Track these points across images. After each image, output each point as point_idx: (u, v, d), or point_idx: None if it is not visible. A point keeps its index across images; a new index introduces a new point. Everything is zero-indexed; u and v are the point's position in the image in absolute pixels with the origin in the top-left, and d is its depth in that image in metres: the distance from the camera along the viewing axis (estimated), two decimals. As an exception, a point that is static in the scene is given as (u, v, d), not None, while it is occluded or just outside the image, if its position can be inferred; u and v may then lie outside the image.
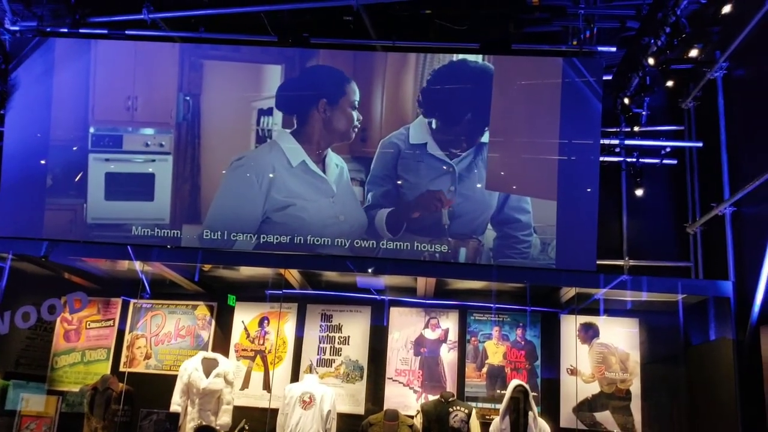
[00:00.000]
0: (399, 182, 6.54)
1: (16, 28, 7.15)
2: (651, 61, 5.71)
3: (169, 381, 6.54)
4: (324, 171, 6.58)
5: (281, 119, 6.72)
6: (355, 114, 6.59)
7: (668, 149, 6.91)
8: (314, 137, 6.62)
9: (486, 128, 6.50)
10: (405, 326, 6.94)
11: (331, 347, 6.94)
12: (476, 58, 6.62)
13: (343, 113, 6.60)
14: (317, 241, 6.51)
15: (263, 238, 6.52)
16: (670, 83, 6.13)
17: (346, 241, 6.50)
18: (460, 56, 6.62)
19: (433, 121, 6.53)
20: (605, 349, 6.67)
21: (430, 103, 6.58)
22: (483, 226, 6.45)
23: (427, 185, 6.49)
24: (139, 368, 7.03)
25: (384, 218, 6.48)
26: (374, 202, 6.54)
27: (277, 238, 6.50)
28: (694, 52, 5.74)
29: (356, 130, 6.58)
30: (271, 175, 6.57)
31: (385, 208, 6.50)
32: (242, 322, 7.09)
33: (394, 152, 6.54)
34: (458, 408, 6.12)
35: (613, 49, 6.68)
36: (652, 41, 5.63)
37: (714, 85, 6.52)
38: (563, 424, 6.49)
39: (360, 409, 6.69)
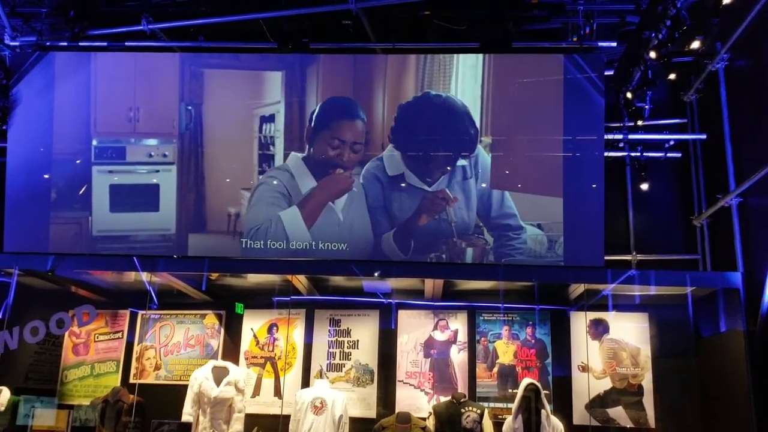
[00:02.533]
0: (393, 205, 6.53)
1: (16, 44, 7.16)
2: (652, 54, 5.71)
3: (179, 391, 6.53)
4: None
5: (283, 126, 6.72)
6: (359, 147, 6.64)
7: (672, 142, 6.92)
8: (322, 167, 6.66)
9: (459, 155, 6.54)
10: (414, 328, 6.93)
11: (340, 352, 6.93)
12: (440, 92, 6.63)
13: (349, 148, 6.63)
14: (323, 246, 6.50)
15: (271, 244, 6.52)
16: (672, 76, 6.13)
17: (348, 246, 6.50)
18: (424, 90, 6.64)
19: (406, 154, 6.57)
20: (616, 344, 6.65)
21: (401, 137, 6.60)
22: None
23: (417, 206, 6.52)
24: (149, 379, 7.02)
25: (391, 239, 6.48)
26: (377, 228, 6.55)
27: (279, 243, 6.51)
28: (695, 45, 5.73)
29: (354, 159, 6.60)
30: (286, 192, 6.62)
31: (387, 230, 6.50)
32: (251, 329, 7.08)
33: (377, 182, 6.56)
34: (470, 408, 6.10)
35: (614, 44, 6.68)
36: (653, 35, 5.63)
37: (716, 77, 6.51)
38: (576, 421, 6.47)
39: (372, 413, 6.68)
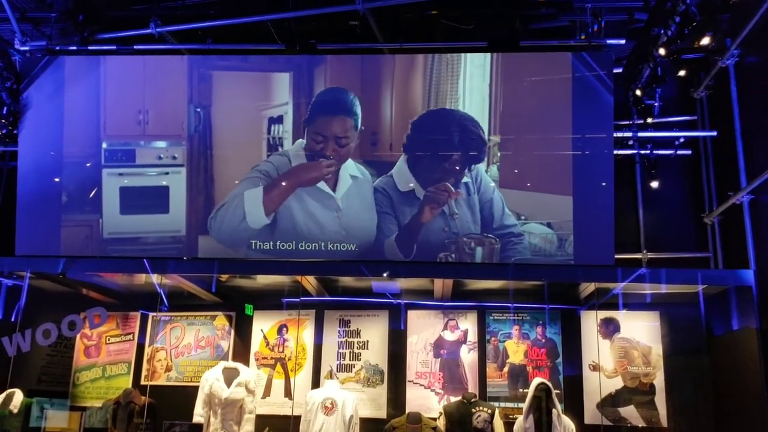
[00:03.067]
0: (402, 218, 6.52)
1: (26, 48, 7.21)
2: (661, 51, 5.67)
3: (190, 392, 6.57)
4: (335, 185, 6.57)
5: (291, 127, 6.73)
6: (353, 137, 6.61)
7: (682, 140, 6.87)
8: (314, 158, 6.64)
9: (467, 170, 6.51)
10: (423, 329, 6.93)
11: (350, 352, 6.94)
12: (458, 107, 6.60)
13: (334, 143, 6.61)
14: (332, 246, 6.50)
15: (281, 245, 6.53)
16: (681, 73, 6.07)
17: (357, 246, 6.49)
18: (440, 105, 6.60)
19: (416, 167, 6.53)
20: (627, 343, 6.62)
21: (414, 148, 6.58)
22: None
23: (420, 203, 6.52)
24: (161, 381, 7.05)
25: (394, 243, 6.47)
26: (380, 232, 6.52)
27: (288, 245, 6.51)
28: (705, 41, 5.69)
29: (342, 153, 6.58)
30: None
31: (389, 237, 6.48)
32: (261, 330, 7.10)
33: (387, 197, 6.54)
34: (481, 408, 6.08)
35: (622, 41, 6.65)
36: (662, 31, 5.60)
37: (726, 73, 6.47)
38: (588, 420, 6.44)
39: (382, 413, 6.68)
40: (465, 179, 6.50)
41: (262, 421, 6.54)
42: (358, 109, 6.63)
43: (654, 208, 7.04)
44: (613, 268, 6.21)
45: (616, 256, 6.35)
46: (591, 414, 6.46)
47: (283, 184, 6.56)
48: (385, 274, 6.33)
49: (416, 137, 6.57)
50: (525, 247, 6.37)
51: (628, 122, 6.85)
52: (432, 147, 6.54)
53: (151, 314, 7.25)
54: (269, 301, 7.09)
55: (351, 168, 6.63)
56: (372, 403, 6.74)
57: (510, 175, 6.50)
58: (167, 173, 6.75)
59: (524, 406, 5.95)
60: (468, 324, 6.88)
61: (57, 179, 6.82)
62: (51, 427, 6.66)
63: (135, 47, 7.19)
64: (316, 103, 6.70)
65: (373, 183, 6.59)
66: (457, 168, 6.49)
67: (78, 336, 7.27)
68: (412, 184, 6.53)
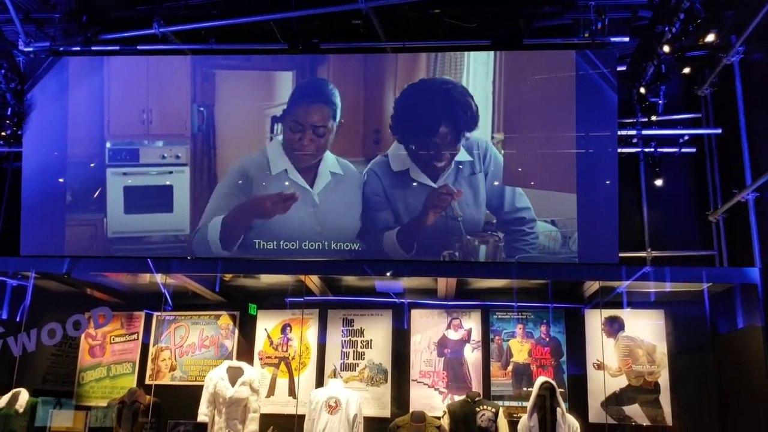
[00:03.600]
0: (396, 204, 6.50)
1: (30, 49, 7.22)
2: (666, 48, 5.65)
3: (195, 392, 6.58)
4: (314, 179, 6.54)
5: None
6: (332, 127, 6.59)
7: (686, 137, 6.84)
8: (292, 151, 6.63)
9: (460, 141, 6.44)
10: (427, 328, 6.92)
11: (354, 351, 6.94)
12: (438, 75, 6.58)
13: (311, 132, 6.59)
14: (335, 246, 6.49)
15: (284, 245, 6.53)
16: (686, 70, 6.05)
17: (360, 245, 6.47)
18: (421, 76, 6.56)
19: (409, 146, 6.48)
20: (631, 342, 6.60)
21: (401, 127, 6.53)
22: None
23: (423, 205, 6.45)
24: (165, 380, 7.07)
25: (394, 237, 6.45)
26: (379, 225, 6.48)
27: (291, 244, 6.50)
28: (709, 38, 5.66)
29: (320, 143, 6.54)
30: (245, 181, 6.62)
31: (390, 229, 6.45)
32: (265, 329, 7.11)
33: (378, 181, 6.49)
34: (485, 407, 6.08)
35: (626, 39, 6.62)
36: (666, 29, 5.58)
37: (731, 70, 6.44)
38: (592, 419, 6.43)
39: (386, 412, 6.68)
40: (468, 158, 6.44)
41: (266, 420, 6.55)
42: (337, 100, 6.60)
43: (658, 206, 7.02)
44: (617, 267, 6.19)
45: (621, 255, 6.32)
46: (595, 413, 6.45)
47: (240, 217, 6.56)
48: (388, 273, 6.32)
49: (401, 115, 6.52)
50: (536, 236, 6.31)
51: (632, 120, 6.82)
52: (418, 121, 6.48)
53: (155, 314, 7.27)
54: (273, 300, 7.10)
55: (332, 164, 6.58)
56: (376, 402, 6.74)
57: (514, 172, 6.48)
58: (171, 172, 6.76)
59: (528, 404, 5.94)
60: (472, 323, 6.88)
61: (61, 179, 6.84)
62: (56, 426, 6.67)
63: (138, 47, 7.20)
64: (294, 94, 6.68)
65: (366, 168, 6.52)
66: (449, 139, 6.41)
67: (83, 336, 7.29)
68: (406, 164, 6.47)
